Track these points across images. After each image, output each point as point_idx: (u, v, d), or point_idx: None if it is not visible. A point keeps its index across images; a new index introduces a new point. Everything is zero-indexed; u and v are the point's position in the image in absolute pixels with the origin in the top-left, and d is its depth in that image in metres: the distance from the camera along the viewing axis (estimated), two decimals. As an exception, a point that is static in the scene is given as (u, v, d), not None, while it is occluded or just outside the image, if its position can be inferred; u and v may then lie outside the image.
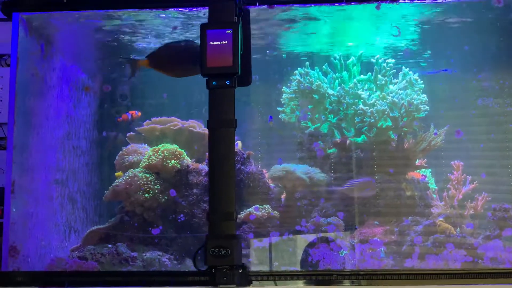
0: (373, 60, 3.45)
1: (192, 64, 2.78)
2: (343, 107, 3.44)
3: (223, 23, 2.54)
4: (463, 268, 2.78)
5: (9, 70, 2.94)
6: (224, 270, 2.37)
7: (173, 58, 2.98)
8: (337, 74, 3.51)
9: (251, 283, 2.50)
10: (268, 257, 3.01)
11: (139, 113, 3.40)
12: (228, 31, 2.51)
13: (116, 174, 3.44)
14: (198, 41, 2.62)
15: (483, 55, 3.56)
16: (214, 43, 2.52)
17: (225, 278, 2.37)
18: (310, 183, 3.27)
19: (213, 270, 2.40)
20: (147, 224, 3.25)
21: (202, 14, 2.99)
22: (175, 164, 3.34)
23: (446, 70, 3.58)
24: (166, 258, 3.04)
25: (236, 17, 2.56)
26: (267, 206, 3.20)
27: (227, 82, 2.50)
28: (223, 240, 2.39)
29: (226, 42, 2.51)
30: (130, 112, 3.36)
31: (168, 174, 3.37)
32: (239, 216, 3.16)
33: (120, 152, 3.59)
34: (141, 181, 3.28)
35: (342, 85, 3.45)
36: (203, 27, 2.55)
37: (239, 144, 3.42)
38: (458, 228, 3.04)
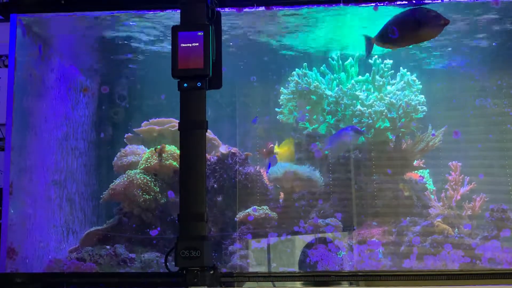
0: (371, 61, 3.45)
1: (416, 30, 2.77)
2: (341, 108, 3.44)
3: (194, 25, 2.50)
4: (461, 269, 2.79)
5: (7, 71, 2.94)
6: (195, 271, 2.36)
7: (398, 30, 2.94)
8: (335, 75, 3.51)
9: (223, 285, 2.50)
10: (266, 258, 3.01)
11: None
12: (199, 33, 2.48)
13: None
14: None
15: (481, 55, 3.57)
16: (186, 45, 2.47)
17: (195, 280, 2.34)
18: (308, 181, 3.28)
19: (184, 271, 2.38)
20: (146, 225, 3.25)
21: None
22: (173, 165, 3.34)
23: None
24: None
25: (207, 19, 2.54)
26: (265, 207, 3.20)
27: (198, 84, 2.48)
28: (193, 242, 2.35)
29: (197, 44, 2.48)
30: None
31: (166, 176, 3.36)
32: (237, 217, 3.17)
33: (119, 153, 3.59)
34: (139, 182, 3.28)
35: (340, 86, 3.46)
36: (174, 29, 2.51)
37: None
38: (456, 229, 3.05)
